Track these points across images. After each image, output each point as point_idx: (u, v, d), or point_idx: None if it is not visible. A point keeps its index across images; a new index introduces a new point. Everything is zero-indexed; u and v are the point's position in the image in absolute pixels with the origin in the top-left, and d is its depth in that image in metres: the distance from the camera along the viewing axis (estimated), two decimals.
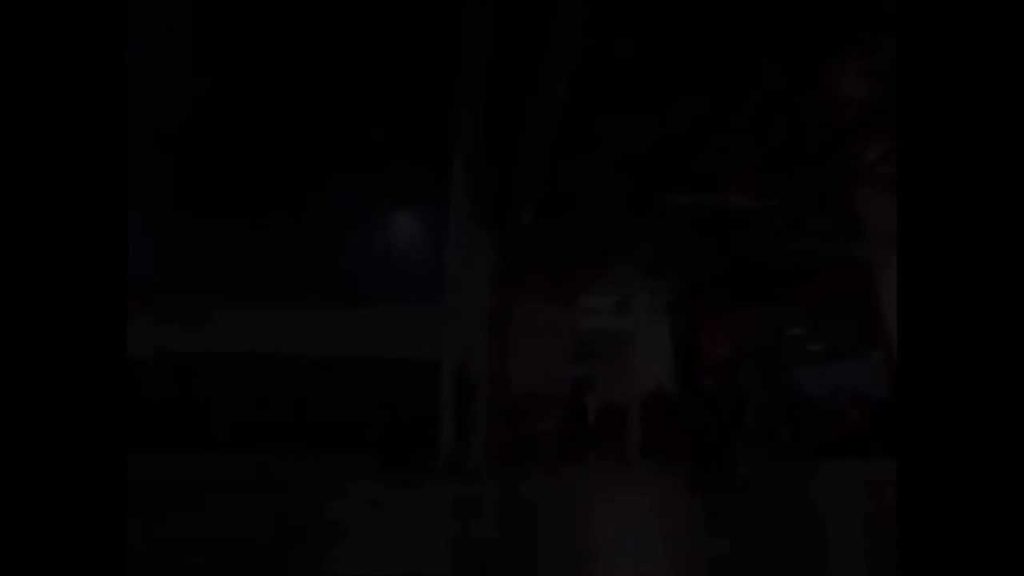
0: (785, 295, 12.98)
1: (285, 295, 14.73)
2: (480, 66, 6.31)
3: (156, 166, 13.15)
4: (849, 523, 3.16)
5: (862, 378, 16.29)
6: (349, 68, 12.76)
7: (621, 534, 2.83)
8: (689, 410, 4.98)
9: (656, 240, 10.51)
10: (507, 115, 7.04)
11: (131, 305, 5.77)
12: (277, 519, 2.34)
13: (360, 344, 16.21)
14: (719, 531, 2.89)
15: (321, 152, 14.12)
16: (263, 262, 14.58)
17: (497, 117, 7.18)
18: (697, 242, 10.99)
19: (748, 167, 8.57)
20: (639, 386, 13.07)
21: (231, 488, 3.27)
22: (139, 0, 7.93)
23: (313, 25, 12.13)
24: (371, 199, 15.90)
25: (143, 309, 7.44)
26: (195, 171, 13.68)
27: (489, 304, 10.09)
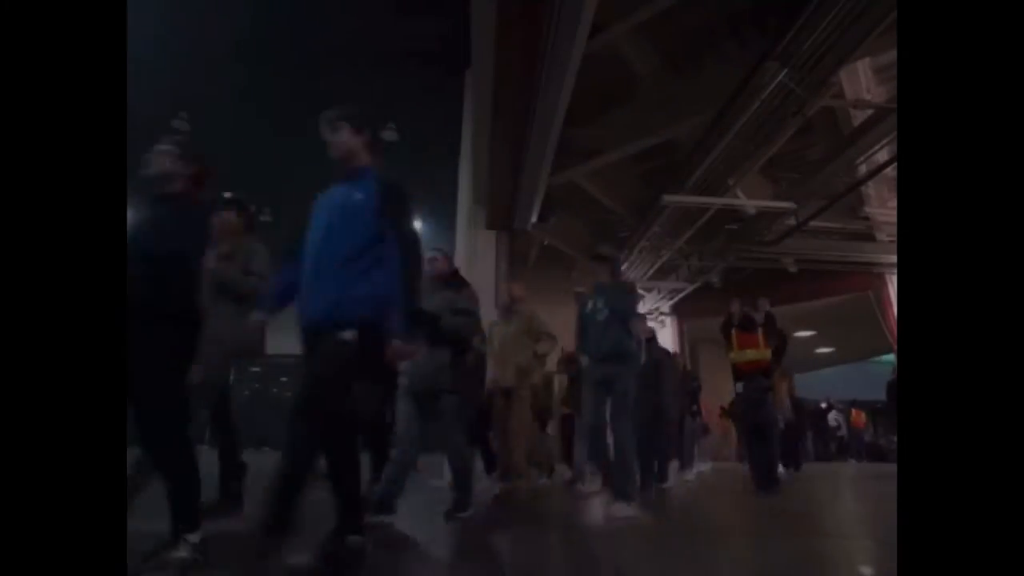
0: (794, 297, 12.88)
1: None
2: (486, 68, 6.32)
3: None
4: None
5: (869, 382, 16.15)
6: (358, 71, 12.82)
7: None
8: (747, 407, 4.97)
9: (663, 241, 10.47)
10: (513, 117, 7.05)
11: None
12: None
13: None
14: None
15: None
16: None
17: (503, 119, 7.20)
18: (705, 243, 10.95)
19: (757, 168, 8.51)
20: None
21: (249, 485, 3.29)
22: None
23: (321, 27, 12.20)
24: None
25: None
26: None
27: (495, 305, 10.07)
